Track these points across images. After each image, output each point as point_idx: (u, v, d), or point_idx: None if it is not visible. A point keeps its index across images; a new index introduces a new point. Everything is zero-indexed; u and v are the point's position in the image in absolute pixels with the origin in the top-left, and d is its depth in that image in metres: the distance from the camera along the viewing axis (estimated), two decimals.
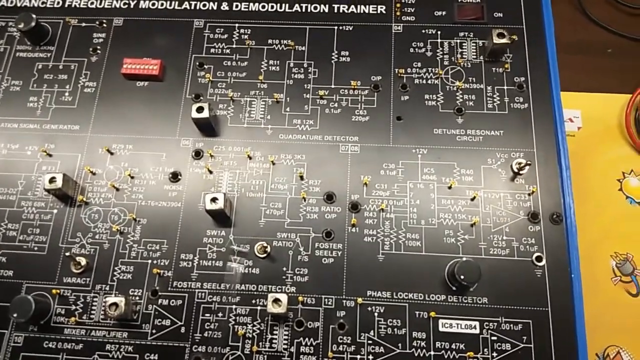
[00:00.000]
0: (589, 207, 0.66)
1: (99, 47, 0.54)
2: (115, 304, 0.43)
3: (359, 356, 0.43)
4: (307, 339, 0.44)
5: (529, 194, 0.47)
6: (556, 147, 0.48)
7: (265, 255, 0.46)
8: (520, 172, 0.47)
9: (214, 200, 0.45)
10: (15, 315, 0.43)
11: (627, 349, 0.59)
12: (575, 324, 0.43)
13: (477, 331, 0.43)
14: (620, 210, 0.66)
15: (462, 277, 0.42)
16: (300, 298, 0.45)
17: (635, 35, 0.73)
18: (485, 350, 0.43)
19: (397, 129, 0.50)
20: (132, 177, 0.49)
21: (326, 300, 0.45)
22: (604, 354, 0.59)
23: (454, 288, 0.45)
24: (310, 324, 0.44)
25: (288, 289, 0.45)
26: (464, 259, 0.43)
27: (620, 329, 0.60)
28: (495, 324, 0.44)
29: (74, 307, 0.45)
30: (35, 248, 0.47)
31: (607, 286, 0.63)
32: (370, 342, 0.44)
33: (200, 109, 0.48)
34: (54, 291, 0.45)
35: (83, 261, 0.46)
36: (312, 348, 0.44)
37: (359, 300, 0.45)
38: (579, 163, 0.69)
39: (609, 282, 0.63)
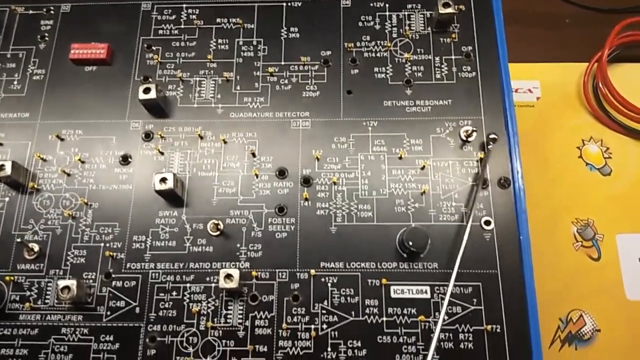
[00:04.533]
0: (550, 175, 0.67)
1: (46, 34, 0.54)
2: (68, 287, 0.43)
3: (313, 326, 0.44)
4: (261, 312, 0.44)
5: (477, 161, 0.48)
6: (503, 113, 0.49)
7: (218, 233, 0.47)
8: (469, 139, 0.48)
9: (163, 180, 0.45)
10: None
11: (590, 313, 0.60)
12: (524, 286, 0.44)
13: (428, 296, 0.44)
14: (581, 177, 0.67)
15: (410, 243, 0.43)
16: (254, 273, 0.45)
17: (592, 5, 0.74)
18: (437, 313, 0.44)
19: (347, 102, 0.50)
20: (82, 162, 0.49)
21: (280, 274, 0.45)
22: (567, 318, 0.60)
23: (404, 255, 0.45)
24: (264, 298, 0.45)
25: (242, 265, 0.45)
26: (413, 225, 0.44)
27: (582, 293, 0.61)
28: (446, 288, 0.44)
29: (28, 293, 0.45)
30: None
31: (569, 252, 0.64)
32: (324, 311, 0.44)
33: (147, 90, 0.48)
34: (7, 278, 0.45)
35: (36, 247, 0.46)
36: (266, 321, 0.44)
37: (313, 272, 0.45)
38: (539, 132, 0.70)
39: (570, 247, 0.64)
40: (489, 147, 0.46)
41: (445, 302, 0.40)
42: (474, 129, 0.47)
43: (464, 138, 0.48)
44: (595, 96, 0.69)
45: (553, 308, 0.62)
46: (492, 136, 0.46)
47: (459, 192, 0.47)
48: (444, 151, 0.48)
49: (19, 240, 0.45)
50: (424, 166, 0.48)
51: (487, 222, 0.46)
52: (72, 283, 0.43)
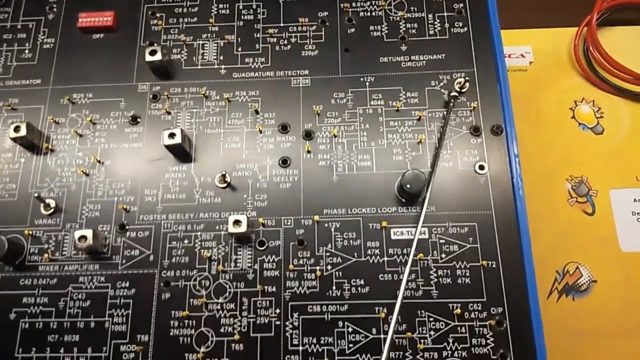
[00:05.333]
0: (543, 136, 0.69)
1: (54, 5, 0.56)
2: (84, 236, 0.45)
3: (318, 267, 0.46)
4: (269, 256, 0.47)
5: (471, 110, 0.50)
6: (494, 64, 0.51)
7: (225, 185, 0.49)
8: (462, 90, 0.50)
9: (171, 135, 0.48)
10: None
11: (585, 265, 0.62)
12: (518, 224, 0.46)
13: (426, 236, 0.46)
14: (574, 137, 0.69)
15: (408, 186, 0.45)
16: (260, 220, 0.47)
17: None
18: (434, 252, 0.46)
19: (345, 60, 0.53)
20: (93, 124, 0.51)
21: (285, 221, 0.48)
22: (564, 270, 0.62)
23: (403, 200, 0.47)
24: (271, 243, 0.47)
25: (249, 214, 0.48)
26: (410, 170, 0.46)
27: (578, 246, 0.63)
28: (443, 228, 0.47)
29: (46, 246, 0.48)
30: (6, 195, 0.49)
31: (564, 208, 0.66)
32: (328, 254, 0.46)
33: (153, 52, 0.50)
34: (26, 232, 0.48)
35: (52, 203, 0.49)
36: (274, 264, 0.46)
37: (316, 218, 0.47)
38: (533, 95, 0.72)
39: (565, 204, 0.66)
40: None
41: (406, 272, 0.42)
42: (467, 79, 0.49)
43: (458, 89, 0.50)
44: (586, 59, 0.71)
45: (550, 261, 0.64)
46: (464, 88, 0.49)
47: (453, 140, 0.49)
48: (439, 102, 0.50)
49: (35, 194, 0.47)
50: (420, 117, 0.50)
51: (481, 167, 0.48)
52: (88, 232, 0.45)
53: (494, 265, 0.45)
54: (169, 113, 0.51)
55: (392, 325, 0.41)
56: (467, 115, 0.50)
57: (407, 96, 0.51)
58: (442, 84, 0.51)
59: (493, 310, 0.44)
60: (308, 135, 0.50)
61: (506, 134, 0.49)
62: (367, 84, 0.51)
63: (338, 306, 0.45)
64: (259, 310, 0.45)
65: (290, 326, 0.45)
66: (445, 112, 0.50)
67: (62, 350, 0.45)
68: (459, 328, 0.44)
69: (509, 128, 0.49)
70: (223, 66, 0.53)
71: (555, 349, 0.58)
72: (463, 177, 0.48)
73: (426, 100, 0.51)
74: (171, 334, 0.45)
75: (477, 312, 0.44)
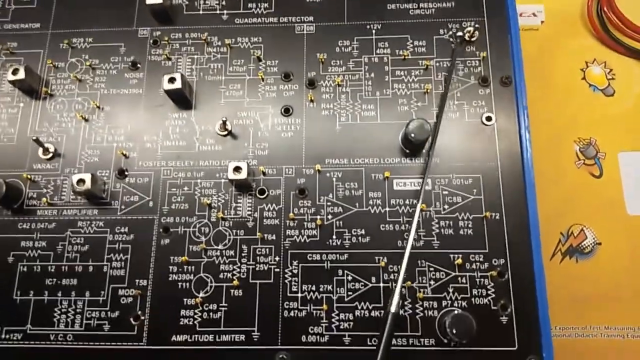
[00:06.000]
0: (553, 97, 0.67)
1: None
2: (82, 180, 0.45)
3: (318, 217, 0.45)
4: (269, 205, 0.46)
5: (480, 60, 0.49)
6: (505, 13, 0.49)
7: (226, 133, 0.48)
8: (471, 39, 0.49)
9: (171, 80, 0.47)
10: None
11: (591, 227, 0.61)
12: (524, 177, 0.45)
13: (430, 187, 0.45)
14: (584, 98, 0.67)
15: (412, 135, 0.44)
16: (261, 169, 0.47)
17: None
18: (437, 203, 0.45)
19: (351, 7, 0.51)
20: (93, 69, 0.50)
21: (286, 169, 0.47)
22: (569, 232, 0.61)
23: (407, 151, 0.46)
24: (272, 192, 0.46)
25: (250, 162, 0.47)
26: (415, 118, 0.45)
27: (584, 209, 0.62)
28: (447, 179, 0.46)
29: (45, 190, 0.47)
30: (5, 139, 0.49)
31: (571, 169, 0.65)
32: (329, 203, 0.46)
33: None
34: (25, 175, 0.47)
35: (51, 147, 0.48)
36: (274, 212, 0.46)
37: (318, 167, 0.46)
38: (543, 56, 0.70)
39: (573, 165, 0.65)
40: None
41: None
42: (476, 26, 0.48)
43: (467, 38, 0.49)
44: (600, 19, 0.69)
45: (554, 222, 0.63)
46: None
47: (461, 90, 0.48)
48: (447, 52, 0.49)
49: (34, 138, 0.47)
50: (427, 67, 0.49)
51: (489, 118, 0.47)
52: (87, 176, 0.45)
53: (497, 217, 0.44)
54: (169, 59, 0.50)
55: (401, 275, 0.40)
56: (475, 65, 0.49)
57: (414, 45, 0.49)
58: (451, 32, 0.49)
59: (495, 262, 0.44)
60: (311, 84, 0.49)
61: (515, 85, 0.47)
62: (374, 31, 0.50)
63: (338, 255, 0.44)
64: (258, 258, 0.45)
65: (290, 274, 0.44)
66: (453, 62, 0.48)
67: (60, 294, 0.45)
68: (459, 278, 0.43)
69: (519, 79, 0.47)
70: (225, 11, 0.51)
71: (557, 310, 0.58)
72: (469, 128, 0.47)
73: (434, 49, 0.49)
74: (170, 279, 0.44)
75: (478, 263, 0.43)
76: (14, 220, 0.47)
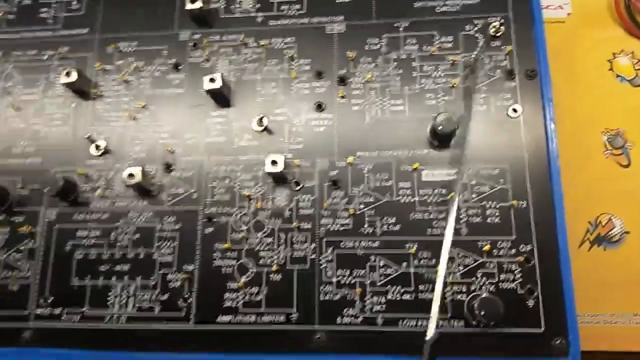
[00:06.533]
0: (580, 88, 0.68)
1: None
2: (133, 174, 0.48)
3: (351, 206, 0.48)
4: (304, 195, 0.49)
5: (506, 54, 0.50)
6: (530, 7, 0.51)
7: (262, 129, 0.51)
8: (497, 34, 0.50)
9: (212, 80, 0.50)
10: (48, 189, 0.49)
11: (618, 216, 0.62)
12: (550, 166, 0.47)
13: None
14: (611, 89, 0.68)
15: (440, 128, 0.46)
16: (296, 162, 0.49)
17: None
18: (465, 192, 0.47)
19: (379, 5, 0.53)
20: (138, 70, 0.54)
21: (320, 162, 0.50)
22: (597, 221, 0.62)
23: (435, 143, 0.49)
24: (307, 183, 0.49)
25: (285, 156, 0.50)
26: (441, 112, 0.47)
27: (612, 198, 0.63)
28: (475, 170, 0.48)
29: (97, 184, 0.51)
30: (59, 137, 0.53)
31: (599, 159, 0.65)
32: (361, 194, 0.48)
33: (193, 0, 0.52)
34: (79, 170, 0.51)
35: (102, 144, 0.52)
36: (309, 203, 0.49)
37: (350, 159, 0.49)
38: (570, 47, 0.71)
39: (601, 155, 0.65)
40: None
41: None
42: (501, 21, 0.49)
43: (492, 34, 0.50)
44: (628, 9, 0.69)
45: (582, 212, 0.64)
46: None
47: (487, 84, 0.50)
48: (473, 47, 0.51)
49: (86, 135, 0.51)
50: (453, 62, 0.51)
51: (514, 110, 0.49)
52: (137, 170, 0.48)
53: (524, 206, 0.46)
54: (208, 60, 0.54)
55: (435, 304, 0.42)
56: (501, 59, 0.50)
57: (441, 41, 0.51)
58: (476, 28, 0.51)
59: (522, 248, 0.45)
60: (342, 81, 0.52)
61: (540, 77, 0.49)
62: (401, 29, 0.52)
63: (370, 242, 0.47)
64: (295, 245, 0.48)
65: (325, 260, 0.47)
66: (479, 55, 0.50)
67: (114, 279, 0.49)
68: (487, 264, 0.45)
69: (543, 72, 0.49)
70: (260, 14, 0.54)
71: (586, 298, 0.59)
72: (496, 120, 0.49)
73: (460, 44, 0.51)
74: (214, 264, 0.48)
75: (505, 250, 0.46)
76: (71, 212, 0.51)
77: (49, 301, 0.49)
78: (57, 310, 0.48)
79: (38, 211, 0.51)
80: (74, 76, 0.52)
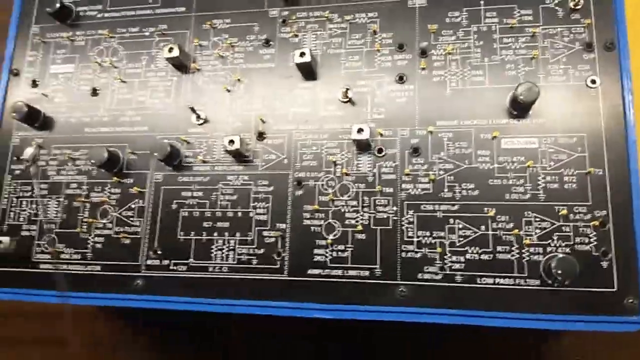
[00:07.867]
0: None
1: None
2: (232, 141, 0.54)
3: (431, 172, 0.52)
4: (386, 162, 0.53)
5: (584, 27, 0.52)
6: None
7: (347, 100, 0.55)
8: (576, 7, 0.52)
9: (302, 54, 0.54)
10: (156, 154, 0.55)
11: None
12: (626, 135, 0.49)
13: (536, 145, 0.50)
14: None
15: (521, 97, 0.49)
16: (379, 131, 0.53)
17: None
18: (543, 160, 0.50)
19: None
20: (232, 46, 0.59)
21: (401, 131, 0.53)
22: None
23: (515, 113, 0.51)
24: (389, 151, 0.53)
25: (369, 125, 0.54)
26: (522, 82, 0.49)
27: None
28: (553, 138, 0.50)
29: (198, 150, 0.57)
30: (163, 107, 0.59)
31: None
32: (441, 161, 0.52)
33: None
34: (182, 138, 0.57)
35: (203, 114, 0.58)
36: (391, 169, 0.53)
37: (430, 128, 0.52)
38: None
39: None
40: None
41: None
42: None
43: (572, 7, 0.52)
44: None
45: None
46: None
47: (567, 56, 0.52)
48: (553, 19, 0.52)
49: (190, 106, 0.56)
50: (533, 34, 0.52)
51: (593, 81, 0.50)
52: (236, 137, 0.54)
53: (600, 173, 0.49)
54: (296, 36, 0.58)
55: None
56: (580, 32, 0.52)
57: (521, 13, 0.53)
58: (556, 1, 0.53)
59: (597, 213, 0.48)
60: (423, 53, 0.55)
61: (619, 49, 0.50)
62: (482, 2, 0.54)
63: (449, 206, 0.51)
64: (377, 207, 0.52)
65: (406, 221, 0.51)
66: (559, 29, 0.52)
67: (215, 234, 0.55)
68: (563, 227, 0.48)
69: (622, 44, 0.50)
70: None
71: None
72: (574, 91, 0.51)
73: (540, 17, 0.53)
74: (304, 223, 0.53)
75: (581, 214, 0.48)
76: (175, 174, 0.57)
77: (159, 253, 0.55)
78: (166, 262, 0.55)
79: (146, 174, 0.58)
80: (175, 52, 0.57)
